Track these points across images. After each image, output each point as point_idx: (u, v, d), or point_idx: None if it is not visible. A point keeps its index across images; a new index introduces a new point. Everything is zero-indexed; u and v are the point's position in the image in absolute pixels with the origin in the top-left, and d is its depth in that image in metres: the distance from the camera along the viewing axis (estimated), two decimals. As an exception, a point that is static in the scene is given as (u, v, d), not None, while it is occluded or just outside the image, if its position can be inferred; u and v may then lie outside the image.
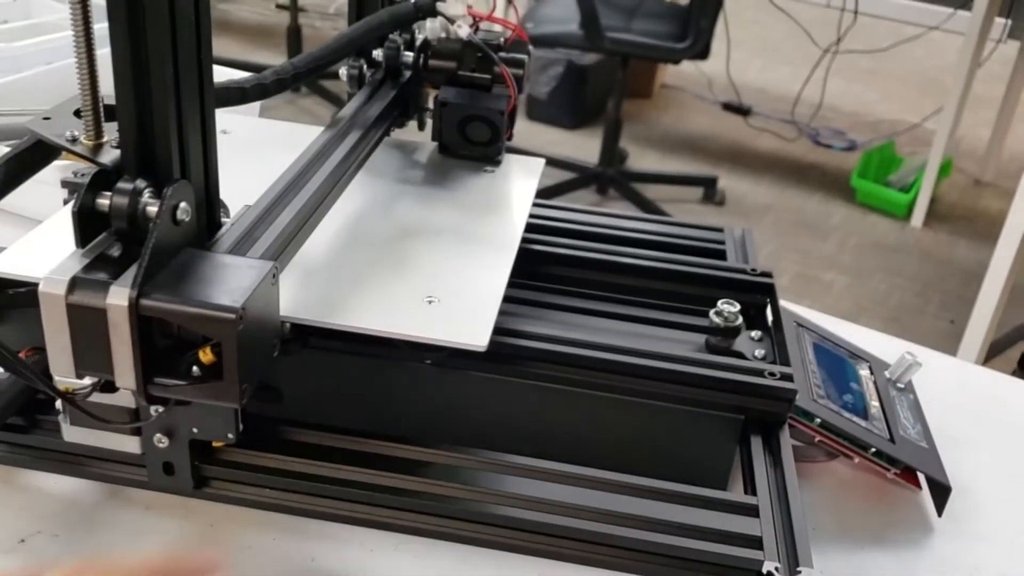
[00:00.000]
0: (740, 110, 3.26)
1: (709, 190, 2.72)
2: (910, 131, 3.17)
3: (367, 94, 0.67)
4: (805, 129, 3.18)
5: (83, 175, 0.53)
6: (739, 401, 0.55)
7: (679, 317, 0.65)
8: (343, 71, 0.69)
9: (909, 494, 0.62)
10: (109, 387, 0.43)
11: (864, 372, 0.67)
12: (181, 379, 0.42)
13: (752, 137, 3.15)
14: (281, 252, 0.49)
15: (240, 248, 0.47)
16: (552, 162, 2.55)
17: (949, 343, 2.08)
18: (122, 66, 0.41)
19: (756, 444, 0.56)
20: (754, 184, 2.84)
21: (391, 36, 0.69)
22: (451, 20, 0.68)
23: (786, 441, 0.56)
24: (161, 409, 0.47)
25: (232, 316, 0.40)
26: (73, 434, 0.48)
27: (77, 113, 0.47)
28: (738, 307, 0.61)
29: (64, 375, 0.42)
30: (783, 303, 0.66)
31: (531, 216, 0.65)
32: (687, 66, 3.08)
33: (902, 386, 0.68)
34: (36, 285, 0.40)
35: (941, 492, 0.59)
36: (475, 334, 0.50)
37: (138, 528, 0.53)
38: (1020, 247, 1.77)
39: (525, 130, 2.97)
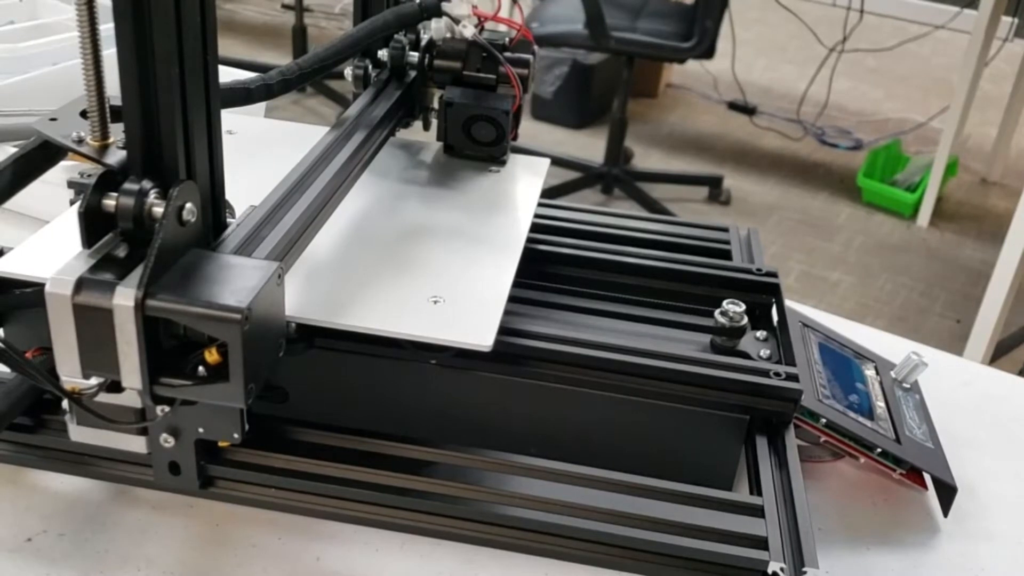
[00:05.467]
0: (745, 109, 3.25)
1: (714, 189, 2.72)
2: (916, 130, 3.17)
3: (372, 94, 0.68)
4: (811, 128, 3.17)
5: (89, 176, 0.54)
6: (744, 401, 0.55)
7: (684, 317, 0.65)
8: (348, 71, 0.69)
9: (915, 494, 0.62)
10: (115, 387, 0.43)
11: (870, 372, 0.67)
12: (187, 379, 0.42)
13: (757, 136, 3.14)
14: (287, 252, 0.49)
15: (246, 248, 0.47)
16: (557, 162, 2.55)
17: (955, 343, 2.08)
18: (128, 67, 0.41)
19: (761, 444, 0.56)
20: (759, 183, 2.84)
21: (396, 36, 0.69)
22: (456, 20, 0.68)
23: (791, 441, 0.56)
24: (167, 409, 0.48)
25: (237, 316, 0.40)
26: (79, 434, 0.48)
27: (83, 114, 0.47)
28: (743, 307, 0.61)
29: (70, 375, 0.42)
30: (788, 303, 0.66)
31: (536, 216, 0.65)
32: (692, 65, 3.08)
33: (908, 386, 0.67)
34: (43, 285, 0.40)
35: (947, 493, 0.59)
36: (480, 334, 0.50)
37: (144, 527, 0.53)
38: (1027, 247, 1.76)
39: (530, 130, 2.97)
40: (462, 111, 0.69)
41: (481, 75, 0.69)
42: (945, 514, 0.59)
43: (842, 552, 0.56)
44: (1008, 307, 1.84)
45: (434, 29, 0.70)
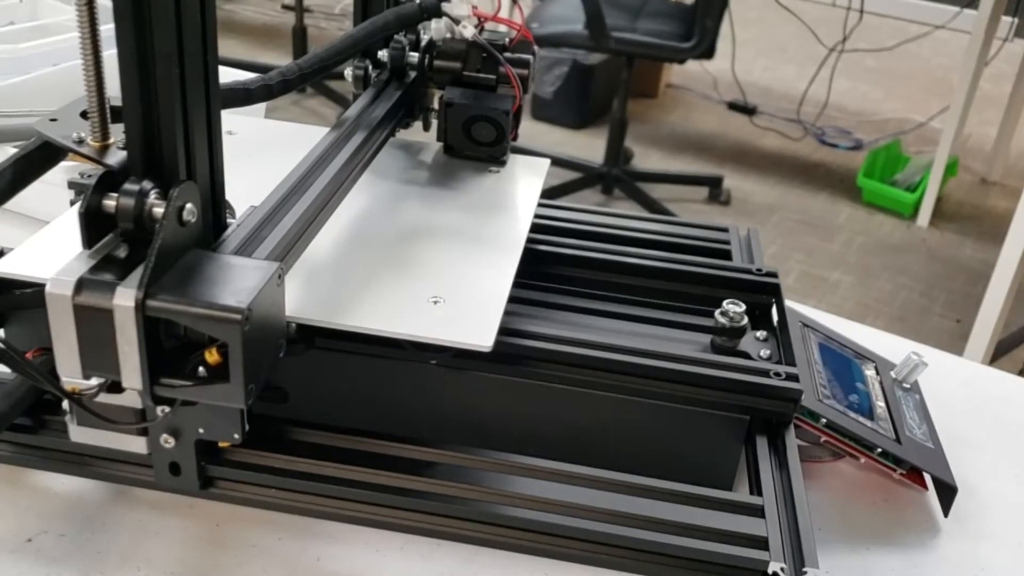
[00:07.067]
0: (745, 109, 3.25)
1: (714, 190, 2.72)
2: (916, 130, 3.17)
3: (372, 95, 0.68)
4: (811, 128, 3.17)
5: (89, 176, 0.54)
6: (744, 401, 0.55)
7: (684, 317, 0.65)
8: (348, 72, 0.69)
9: (915, 495, 0.62)
10: (116, 387, 0.43)
11: (870, 372, 0.67)
12: (187, 380, 0.42)
13: (757, 136, 3.14)
14: (287, 253, 0.49)
15: (246, 249, 0.47)
16: (557, 162, 2.55)
17: (955, 343, 2.08)
18: (128, 67, 0.41)
19: (762, 444, 0.56)
20: (759, 183, 2.84)
21: (396, 37, 0.70)
22: (456, 20, 0.68)
23: (792, 441, 0.56)
24: (167, 409, 0.48)
25: (238, 317, 0.40)
26: (79, 434, 0.48)
27: (83, 114, 0.47)
28: (743, 307, 0.61)
29: (71, 376, 0.42)
30: (789, 303, 0.66)
31: (536, 216, 0.65)
32: (692, 66, 3.08)
33: (908, 386, 0.67)
34: (43, 286, 0.40)
35: (947, 493, 0.59)
36: (480, 334, 0.50)
37: (144, 528, 0.53)
38: (1027, 247, 1.76)
39: (530, 130, 2.97)
40: (462, 111, 0.69)
41: (481, 75, 0.69)
42: (945, 514, 0.59)
43: (842, 552, 0.56)
44: (1008, 307, 1.84)
45: (434, 29, 0.70)
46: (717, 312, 0.61)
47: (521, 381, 0.56)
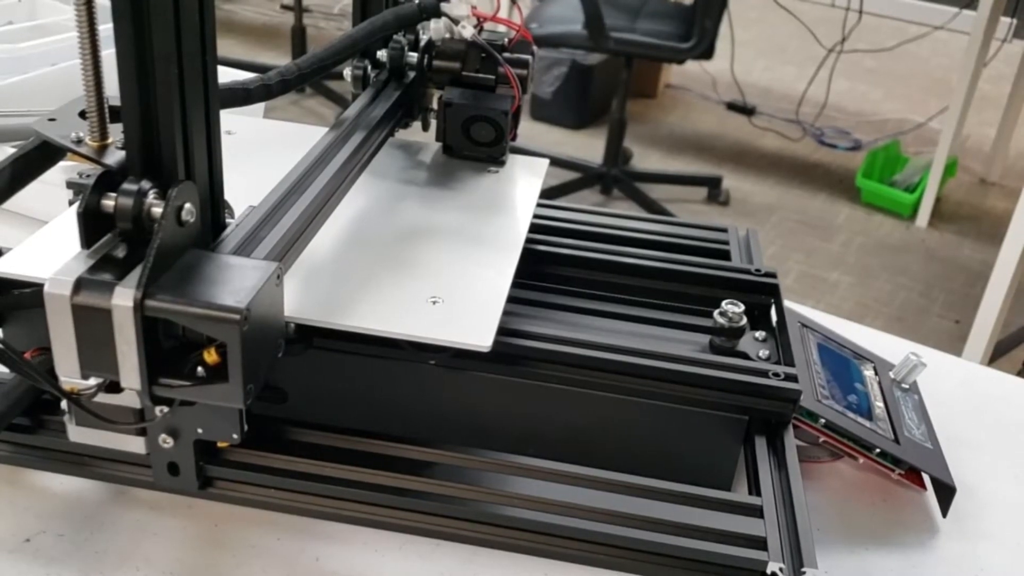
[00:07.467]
0: (744, 110, 3.26)
1: (713, 190, 2.72)
2: (915, 131, 3.17)
3: (371, 95, 0.68)
4: (810, 129, 3.18)
5: (88, 176, 0.54)
6: (743, 402, 0.55)
7: (683, 317, 0.65)
8: (347, 72, 0.69)
9: (914, 495, 0.62)
10: (114, 387, 0.43)
11: (869, 372, 0.67)
12: (186, 380, 0.42)
13: (756, 137, 3.14)
14: (285, 253, 0.49)
15: (245, 249, 0.47)
16: (556, 162, 2.55)
17: (954, 343, 2.08)
18: (127, 67, 0.41)
19: (760, 445, 0.56)
20: (758, 184, 2.84)
21: (395, 37, 0.70)
22: (455, 21, 0.68)
23: (790, 442, 0.56)
24: (166, 410, 0.48)
25: (236, 317, 0.40)
26: (78, 434, 0.48)
27: (82, 114, 0.47)
28: (742, 307, 0.61)
29: (69, 375, 0.42)
30: (787, 303, 0.66)
31: (535, 216, 0.65)
32: (691, 66, 3.08)
33: (907, 386, 0.67)
34: (41, 286, 0.40)
35: (946, 493, 0.59)
36: (479, 334, 0.50)
37: (142, 528, 0.53)
38: (1025, 247, 1.76)
39: (529, 130, 2.97)
40: (461, 112, 0.69)
41: (480, 76, 0.69)
42: (944, 514, 0.59)
43: (841, 552, 0.56)
44: (1007, 307, 1.84)
45: (433, 29, 0.70)
46: (716, 312, 0.61)
47: (520, 381, 0.56)
